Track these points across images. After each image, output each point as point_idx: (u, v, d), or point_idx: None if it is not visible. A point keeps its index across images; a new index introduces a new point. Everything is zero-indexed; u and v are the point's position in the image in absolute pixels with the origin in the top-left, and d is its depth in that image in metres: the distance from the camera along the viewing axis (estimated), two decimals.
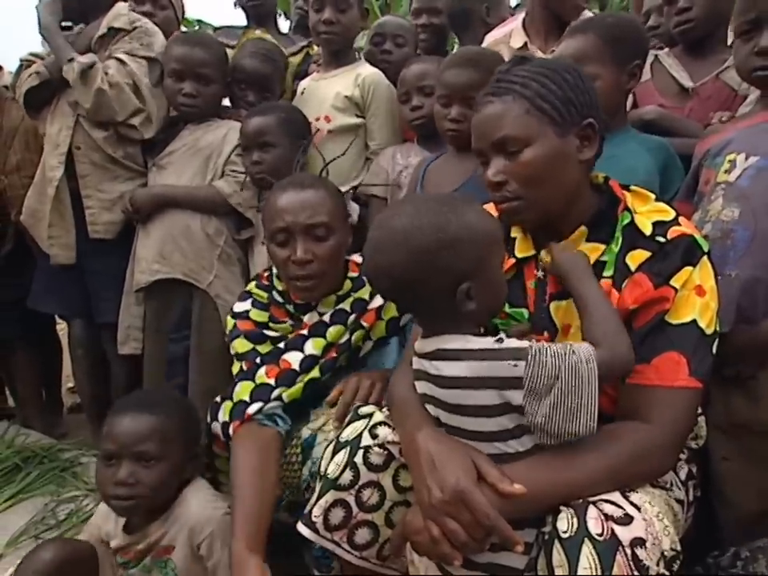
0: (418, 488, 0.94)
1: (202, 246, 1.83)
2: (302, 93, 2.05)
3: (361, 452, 1.03)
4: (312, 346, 1.36)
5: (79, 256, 1.95)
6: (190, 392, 1.79)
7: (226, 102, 2.04)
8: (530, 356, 0.87)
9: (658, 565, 0.81)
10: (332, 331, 1.37)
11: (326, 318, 1.39)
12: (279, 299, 1.44)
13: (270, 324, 1.43)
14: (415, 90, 1.78)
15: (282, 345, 1.39)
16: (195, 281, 1.82)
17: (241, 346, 1.41)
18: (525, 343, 0.89)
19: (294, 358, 1.36)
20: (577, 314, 1.00)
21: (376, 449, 1.03)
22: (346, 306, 1.40)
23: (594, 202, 1.07)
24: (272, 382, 1.33)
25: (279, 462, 1.30)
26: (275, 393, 1.32)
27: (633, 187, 1.10)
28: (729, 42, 1.73)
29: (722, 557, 1.16)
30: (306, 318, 1.41)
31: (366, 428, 1.06)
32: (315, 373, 1.36)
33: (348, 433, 1.07)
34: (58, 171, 1.87)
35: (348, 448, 1.05)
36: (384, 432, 1.04)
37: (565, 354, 0.87)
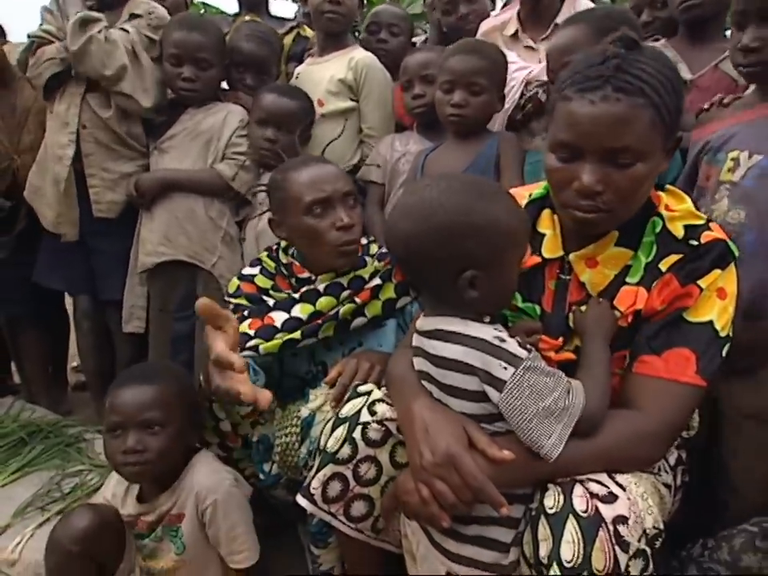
0: (411, 452, 0.97)
1: (206, 229, 1.87)
2: (297, 77, 2.07)
3: (359, 428, 1.06)
4: (299, 310, 1.39)
5: (84, 235, 1.98)
6: (196, 368, 1.82)
7: (223, 84, 2.05)
8: (521, 367, 0.89)
9: (639, 541, 0.84)
10: (323, 300, 1.40)
11: (321, 287, 1.41)
12: (284, 271, 1.49)
13: (271, 292, 1.47)
14: (418, 79, 1.81)
15: (271, 303, 1.42)
16: (200, 262, 1.87)
17: (238, 301, 1.46)
18: (524, 353, 0.91)
19: (278, 317, 1.39)
20: None
21: (374, 425, 1.06)
22: (343, 280, 1.43)
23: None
24: (251, 332, 1.36)
25: None
26: (251, 342, 1.34)
27: (668, 186, 1.09)
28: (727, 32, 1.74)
29: (693, 548, 1.21)
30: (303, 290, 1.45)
31: (364, 405, 1.08)
32: (296, 335, 1.38)
33: (347, 409, 1.10)
34: (70, 149, 1.89)
35: (347, 424, 1.07)
36: (382, 409, 1.07)
37: (555, 388, 0.90)
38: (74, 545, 1.19)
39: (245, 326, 1.36)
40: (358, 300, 1.42)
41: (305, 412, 1.32)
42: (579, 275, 1.07)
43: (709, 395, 1.29)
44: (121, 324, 2.00)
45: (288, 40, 2.30)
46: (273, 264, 1.52)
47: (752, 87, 1.43)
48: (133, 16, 1.90)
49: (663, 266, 1.00)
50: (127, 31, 1.84)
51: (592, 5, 1.88)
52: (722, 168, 1.32)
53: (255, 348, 1.35)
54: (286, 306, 1.41)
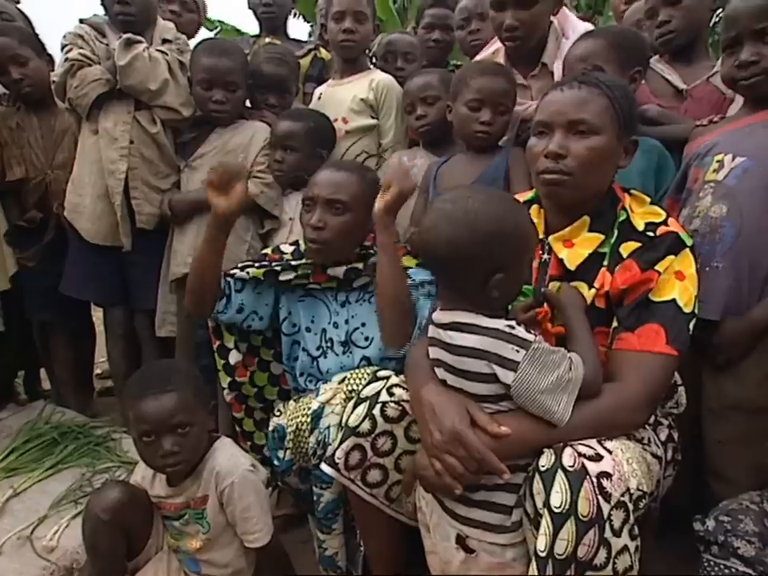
0: (422, 432, 1.10)
1: (231, 242, 1.93)
2: (319, 98, 2.22)
3: (379, 406, 1.19)
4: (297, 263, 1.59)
5: (119, 247, 2.10)
6: None
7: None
8: (531, 349, 1.00)
9: (622, 496, 0.94)
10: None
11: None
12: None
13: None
14: (419, 101, 1.93)
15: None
16: None
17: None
18: (531, 336, 1.02)
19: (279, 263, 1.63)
20: None
21: (392, 404, 1.19)
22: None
23: (600, 200, 1.22)
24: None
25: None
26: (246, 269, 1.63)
27: (632, 191, 1.25)
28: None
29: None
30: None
31: (383, 387, 1.21)
32: (276, 268, 1.60)
33: (368, 390, 1.24)
34: (121, 164, 2.02)
35: (368, 402, 1.21)
36: (399, 392, 1.21)
37: (560, 363, 1.01)
38: (104, 513, 1.31)
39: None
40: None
41: (315, 404, 1.45)
42: (557, 253, 1.21)
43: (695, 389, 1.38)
44: (150, 330, 2.12)
45: (305, 62, 2.46)
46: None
47: (740, 104, 1.55)
48: (164, 41, 2.06)
49: (623, 251, 1.15)
50: (164, 52, 2.00)
51: (585, 27, 1.90)
52: (708, 169, 1.45)
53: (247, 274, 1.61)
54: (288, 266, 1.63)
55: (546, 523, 0.93)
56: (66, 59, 2.00)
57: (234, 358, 1.70)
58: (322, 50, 2.53)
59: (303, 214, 1.58)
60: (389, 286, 1.37)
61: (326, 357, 1.61)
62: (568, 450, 0.97)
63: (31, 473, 1.87)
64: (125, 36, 1.94)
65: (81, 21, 2.10)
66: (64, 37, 2.06)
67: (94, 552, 1.37)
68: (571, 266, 1.20)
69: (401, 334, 1.42)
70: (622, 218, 1.19)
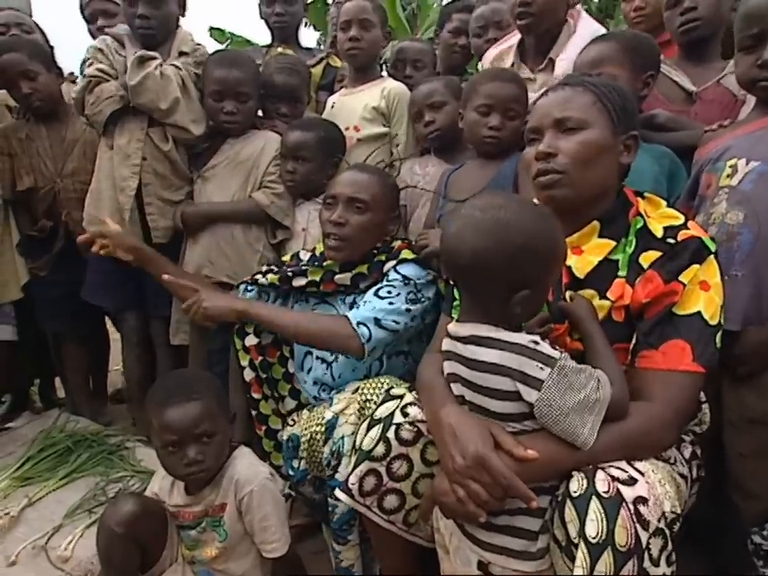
0: (443, 456, 1.05)
1: (244, 252, 2.00)
2: (332, 107, 2.21)
3: (393, 428, 1.14)
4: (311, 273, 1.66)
5: None
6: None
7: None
8: (557, 367, 0.96)
9: (659, 521, 0.90)
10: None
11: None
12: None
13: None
14: (426, 108, 1.92)
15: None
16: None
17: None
18: (557, 353, 0.98)
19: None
20: None
21: (407, 426, 1.14)
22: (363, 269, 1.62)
23: (609, 204, 1.17)
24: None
25: None
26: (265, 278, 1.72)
27: (646, 194, 1.21)
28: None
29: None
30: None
31: (397, 407, 1.17)
32: (289, 274, 1.67)
33: (381, 411, 1.19)
34: (132, 181, 2.02)
35: (381, 424, 1.16)
36: (414, 411, 1.15)
37: (586, 383, 0.96)
38: (118, 527, 1.30)
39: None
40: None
41: (329, 414, 1.44)
42: (566, 261, 1.15)
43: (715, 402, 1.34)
44: (165, 337, 2.12)
45: (318, 70, 2.45)
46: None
47: (751, 106, 1.50)
48: (182, 53, 2.05)
49: (643, 261, 1.11)
50: (178, 67, 1.99)
51: (597, 29, 1.90)
52: (721, 175, 1.40)
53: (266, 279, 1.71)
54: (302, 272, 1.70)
55: (581, 555, 0.88)
56: (84, 75, 2.01)
57: (249, 341, 1.76)
58: (335, 58, 2.52)
59: (323, 212, 1.61)
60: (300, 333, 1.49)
61: (337, 361, 1.61)
62: (600, 474, 0.92)
63: (46, 482, 1.89)
64: (138, 53, 1.94)
65: (105, 32, 2.11)
66: (87, 50, 2.08)
67: (108, 564, 1.37)
68: (580, 273, 1.15)
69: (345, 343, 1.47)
70: (639, 225, 1.14)
